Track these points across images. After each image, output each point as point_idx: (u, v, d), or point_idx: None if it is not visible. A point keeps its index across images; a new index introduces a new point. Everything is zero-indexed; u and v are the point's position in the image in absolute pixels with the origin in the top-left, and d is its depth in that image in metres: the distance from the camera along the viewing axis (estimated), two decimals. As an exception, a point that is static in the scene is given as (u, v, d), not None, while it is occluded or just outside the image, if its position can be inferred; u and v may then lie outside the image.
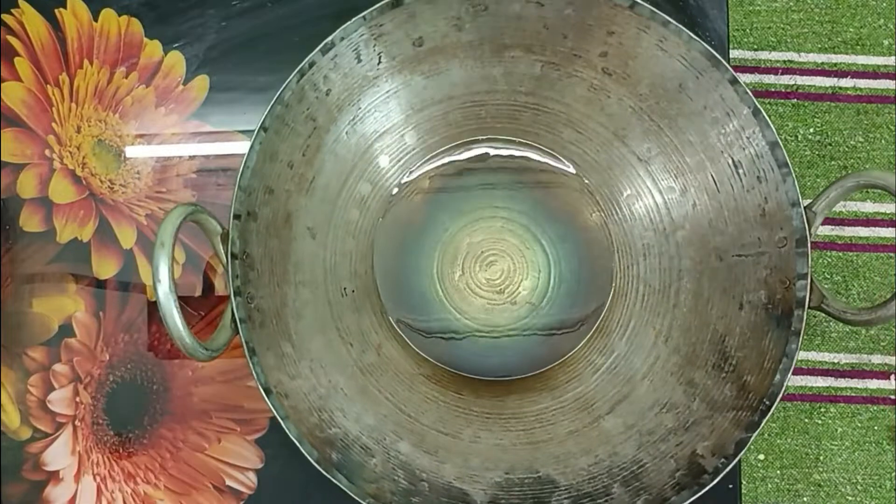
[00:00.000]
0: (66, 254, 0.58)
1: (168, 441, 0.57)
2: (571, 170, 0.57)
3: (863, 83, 0.67)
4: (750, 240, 0.52)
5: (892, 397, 0.66)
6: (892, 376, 0.66)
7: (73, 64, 0.59)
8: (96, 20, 0.59)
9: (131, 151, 0.59)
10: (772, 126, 0.50)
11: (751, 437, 0.47)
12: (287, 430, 0.47)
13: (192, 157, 0.59)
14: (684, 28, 0.50)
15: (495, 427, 0.54)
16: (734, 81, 0.50)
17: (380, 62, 0.52)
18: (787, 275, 0.49)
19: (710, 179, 0.53)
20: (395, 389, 0.54)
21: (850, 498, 0.65)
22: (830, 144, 0.67)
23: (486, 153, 0.57)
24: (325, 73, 0.50)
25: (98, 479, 0.56)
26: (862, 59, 0.67)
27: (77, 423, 0.57)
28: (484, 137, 0.57)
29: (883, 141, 0.66)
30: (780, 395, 0.48)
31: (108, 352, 0.57)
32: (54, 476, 0.56)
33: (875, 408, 0.66)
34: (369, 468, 0.49)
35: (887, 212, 0.66)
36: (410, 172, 0.57)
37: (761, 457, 0.69)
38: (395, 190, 0.57)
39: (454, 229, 0.57)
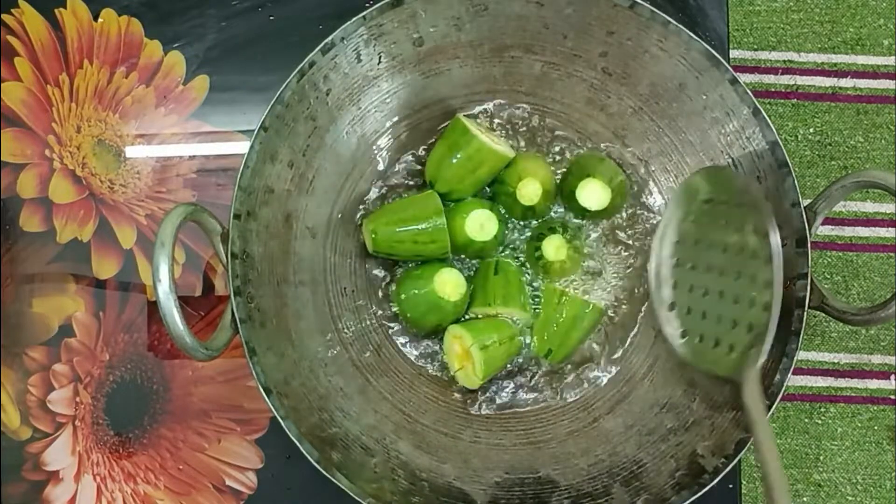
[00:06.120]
0: (66, 254, 0.58)
1: (168, 441, 0.57)
2: (571, 170, 0.57)
3: (863, 83, 0.67)
4: (750, 240, 0.51)
5: (892, 397, 0.66)
6: (892, 376, 0.66)
7: (73, 64, 0.59)
8: (96, 20, 0.59)
9: (131, 151, 0.59)
10: (772, 126, 0.49)
11: (751, 436, 0.47)
12: (287, 430, 0.47)
13: (192, 157, 0.59)
14: (684, 28, 0.50)
15: (495, 427, 0.54)
16: (734, 81, 0.50)
17: (380, 62, 0.52)
18: (786, 275, 0.49)
19: (710, 179, 0.53)
20: (394, 389, 0.54)
21: (850, 498, 0.65)
22: (830, 144, 0.67)
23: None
24: (325, 73, 0.50)
25: (98, 479, 0.56)
26: (862, 59, 0.67)
27: (77, 423, 0.57)
28: (484, 137, 0.57)
29: (883, 141, 0.66)
30: (780, 395, 0.48)
31: (108, 352, 0.57)
32: (54, 476, 0.56)
33: (875, 408, 0.66)
34: (369, 468, 0.49)
35: (887, 212, 0.66)
36: (410, 172, 0.57)
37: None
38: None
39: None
